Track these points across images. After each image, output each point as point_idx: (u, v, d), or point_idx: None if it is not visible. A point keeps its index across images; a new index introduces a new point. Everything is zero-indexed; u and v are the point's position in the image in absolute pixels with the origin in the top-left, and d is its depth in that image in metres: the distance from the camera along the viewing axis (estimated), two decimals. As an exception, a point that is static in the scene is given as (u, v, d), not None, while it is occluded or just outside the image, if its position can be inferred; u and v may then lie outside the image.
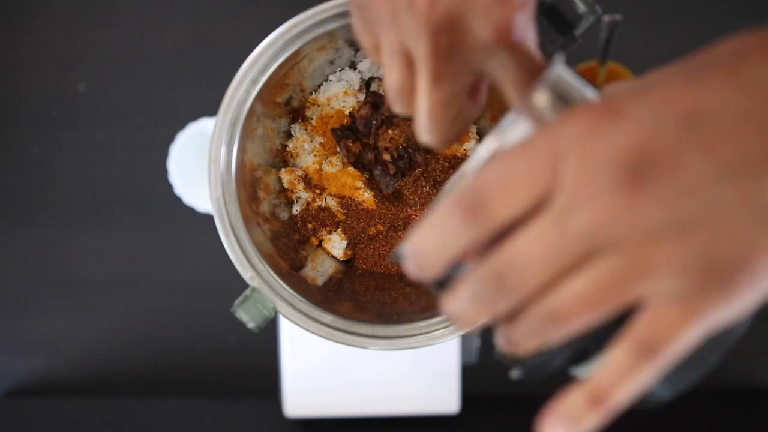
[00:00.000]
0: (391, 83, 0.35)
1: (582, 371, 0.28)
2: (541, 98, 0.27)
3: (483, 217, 0.25)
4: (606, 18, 0.51)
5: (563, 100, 0.27)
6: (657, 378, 0.25)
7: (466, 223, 0.25)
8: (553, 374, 0.28)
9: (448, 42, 0.32)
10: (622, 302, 0.24)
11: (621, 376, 0.25)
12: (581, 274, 0.24)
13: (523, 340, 0.26)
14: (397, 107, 0.36)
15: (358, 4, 0.35)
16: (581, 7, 0.42)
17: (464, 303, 0.26)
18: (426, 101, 0.34)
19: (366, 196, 0.52)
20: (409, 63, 0.34)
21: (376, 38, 0.35)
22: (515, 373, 0.29)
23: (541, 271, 0.24)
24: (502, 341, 0.27)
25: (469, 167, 0.26)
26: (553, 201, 0.24)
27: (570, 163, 0.23)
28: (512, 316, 0.26)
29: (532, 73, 0.33)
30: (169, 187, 0.66)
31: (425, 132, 0.35)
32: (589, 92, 0.28)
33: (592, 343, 0.27)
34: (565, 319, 0.24)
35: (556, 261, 0.24)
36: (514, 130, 0.27)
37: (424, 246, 0.26)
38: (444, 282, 0.28)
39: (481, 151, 0.26)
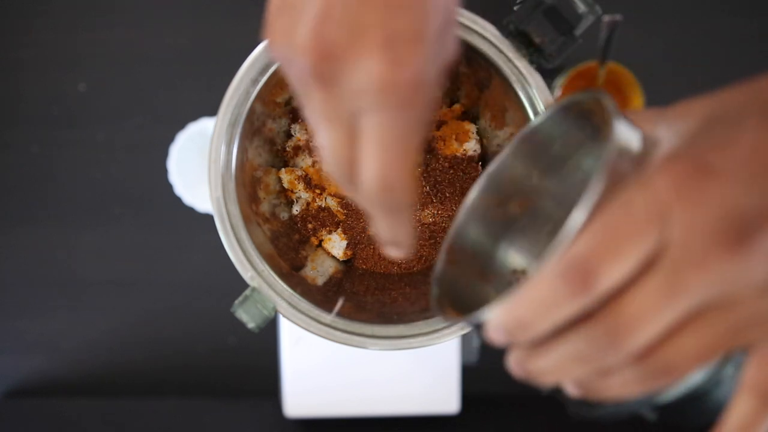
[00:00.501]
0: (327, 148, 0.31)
1: (656, 402, 0.29)
2: (623, 162, 0.27)
3: (592, 284, 0.25)
4: (606, 18, 0.51)
5: (628, 151, 0.27)
6: None
7: (576, 293, 0.25)
8: (622, 417, 0.29)
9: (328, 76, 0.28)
10: (732, 350, 0.25)
11: (751, 425, 0.26)
12: (695, 328, 0.25)
13: (618, 389, 0.27)
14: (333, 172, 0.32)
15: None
16: (581, 7, 0.42)
17: (560, 361, 0.27)
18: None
19: (366, 196, 0.52)
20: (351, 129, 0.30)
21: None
22: (575, 410, 0.30)
23: (655, 328, 0.25)
24: (577, 389, 0.28)
25: (564, 235, 0.26)
26: (662, 261, 0.24)
27: (676, 223, 0.24)
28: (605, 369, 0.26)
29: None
30: (169, 187, 0.66)
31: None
32: (637, 135, 0.28)
33: None
34: (676, 370, 0.25)
35: (670, 318, 0.24)
36: (596, 193, 0.26)
37: (524, 315, 0.26)
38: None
39: (574, 220, 0.26)
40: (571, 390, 0.28)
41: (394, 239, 0.33)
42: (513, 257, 0.38)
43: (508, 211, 0.37)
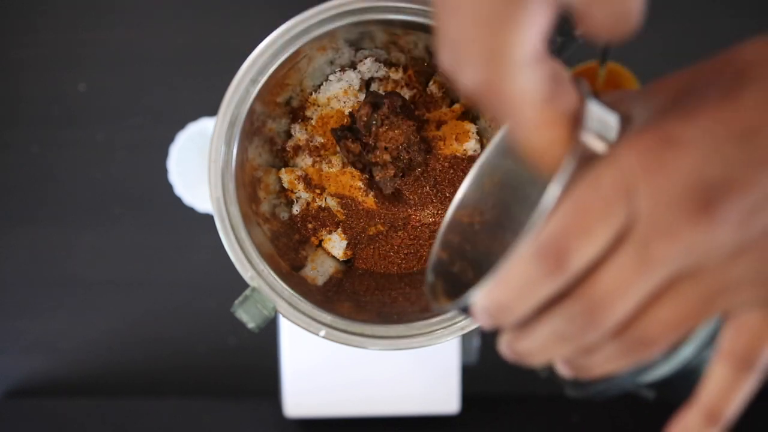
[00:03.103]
0: None
1: (647, 379, 0.29)
2: (596, 144, 0.27)
3: (566, 264, 0.25)
4: (606, 18, 0.51)
5: (602, 133, 0.27)
6: (758, 381, 0.27)
7: (550, 273, 0.25)
8: (616, 394, 0.30)
9: None
10: (706, 318, 0.25)
11: (728, 392, 0.27)
12: (668, 298, 0.25)
13: (603, 365, 0.27)
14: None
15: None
16: (581, 7, 0.42)
17: (543, 340, 0.27)
18: None
19: (366, 196, 0.52)
20: None
21: None
22: (571, 392, 0.30)
23: (630, 302, 0.25)
24: (567, 369, 0.28)
25: (536, 217, 0.26)
26: (631, 235, 0.25)
27: (642, 196, 0.24)
28: (587, 346, 0.27)
29: None
30: (169, 187, 0.66)
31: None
32: (613, 117, 0.28)
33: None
34: (655, 341, 0.26)
35: (643, 291, 0.25)
36: (567, 172, 0.26)
37: (503, 298, 0.26)
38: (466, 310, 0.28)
39: (546, 202, 0.26)
40: (562, 370, 0.29)
41: None
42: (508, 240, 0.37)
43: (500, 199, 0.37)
